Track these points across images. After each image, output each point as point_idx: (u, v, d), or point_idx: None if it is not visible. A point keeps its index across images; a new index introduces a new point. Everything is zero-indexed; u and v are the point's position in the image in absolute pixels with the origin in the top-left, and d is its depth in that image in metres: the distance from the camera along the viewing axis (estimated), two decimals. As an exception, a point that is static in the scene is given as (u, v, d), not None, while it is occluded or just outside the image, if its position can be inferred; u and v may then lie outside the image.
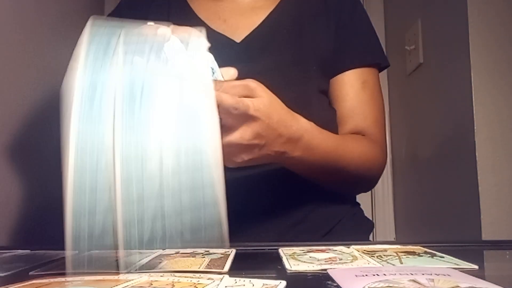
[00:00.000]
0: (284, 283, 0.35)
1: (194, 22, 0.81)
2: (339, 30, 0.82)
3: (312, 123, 0.66)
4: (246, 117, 0.54)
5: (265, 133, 0.56)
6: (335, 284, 0.36)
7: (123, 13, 0.84)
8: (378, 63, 0.85)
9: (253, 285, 0.35)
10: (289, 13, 0.82)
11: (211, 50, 0.80)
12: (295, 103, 0.75)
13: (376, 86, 0.84)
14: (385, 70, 0.89)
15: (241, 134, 0.54)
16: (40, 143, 1.10)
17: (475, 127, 0.97)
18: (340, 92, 0.81)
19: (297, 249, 0.53)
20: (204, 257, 0.48)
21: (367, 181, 0.80)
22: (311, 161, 0.65)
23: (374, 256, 0.48)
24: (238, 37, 0.79)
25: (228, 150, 0.54)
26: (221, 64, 0.77)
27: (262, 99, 0.55)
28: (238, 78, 0.77)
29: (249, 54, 0.77)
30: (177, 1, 0.84)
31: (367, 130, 0.79)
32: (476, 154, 0.96)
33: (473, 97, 0.99)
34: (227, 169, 0.73)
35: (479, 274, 0.39)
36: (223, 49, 0.79)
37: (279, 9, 0.82)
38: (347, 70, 0.81)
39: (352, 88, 0.81)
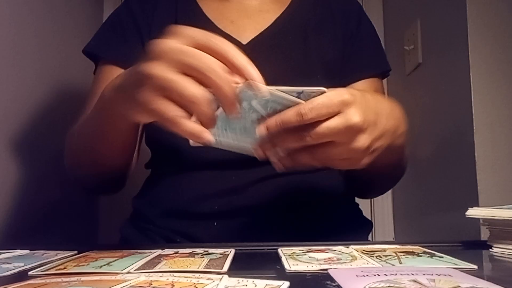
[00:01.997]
0: (287, 283, 0.35)
1: (201, 21, 0.81)
2: (347, 40, 0.84)
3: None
4: (343, 104, 0.48)
5: (366, 111, 0.51)
6: (334, 284, 0.36)
7: (132, 7, 0.83)
8: (385, 71, 0.87)
9: (255, 285, 0.35)
10: (296, 20, 0.83)
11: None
12: None
13: (384, 94, 0.87)
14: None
15: (346, 117, 0.48)
16: (41, 143, 1.10)
17: (474, 127, 0.97)
18: None
19: (296, 249, 0.53)
20: (203, 257, 0.48)
21: (399, 179, 0.83)
22: (398, 148, 0.62)
23: (373, 256, 0.48)
24: (245, 39, 0.79)
25: (347, 136, 0.49)
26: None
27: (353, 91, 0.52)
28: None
29: (255, 56, 0.77)
30: (185, 0, 0.83)
31: None
32: (475, 154, 0.96)
33: (472, 97, 0.99)
34: (228, 170, 0.73)
35: (478, 274, 0.39)
36: None
37: (286, 14, 0.83)
38: (358, 81, 0.83)
39: None
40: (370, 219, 0.87)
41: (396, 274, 0.38)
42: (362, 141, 0.50)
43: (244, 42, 0.79)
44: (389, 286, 0.34)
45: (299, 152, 0.50)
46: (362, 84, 0.83)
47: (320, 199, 0.76)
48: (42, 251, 0.55)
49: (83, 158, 0.72)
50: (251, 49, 0.78)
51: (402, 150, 0.67)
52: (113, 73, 0.77)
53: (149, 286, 0.35)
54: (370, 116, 0.51)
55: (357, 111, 0.49)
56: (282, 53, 0.79)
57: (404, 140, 0.62)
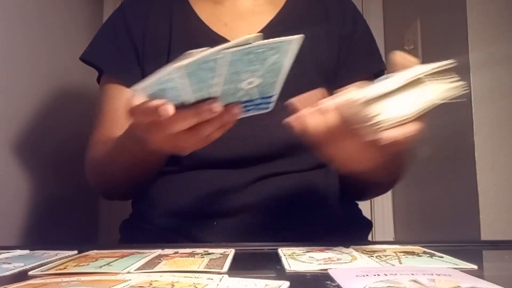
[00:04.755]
0: (287, 283, 0.35)
1: (196, 24, 0.81)
2: (342, 41, 0.83)
3: None
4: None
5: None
6: (334, 284, 0.36)
7: (125, 13, 0.84)
8: (380, 71, 0.86)
9: (255, 285, 0.35)
10: (290, 20, 0.83)
11: None
12: None
13: None
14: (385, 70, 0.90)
15: None
16: (41, 143, 1.10)
17: (474, 127, 0.97)
18: None
19: (296, 249, 0.53)
20: (203, 257, 0.48)
21: (393, 186, 0.83)
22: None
23: (373, 256, 0.48)
24: None
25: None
26: None
27: None
28: None
29: None
30: (180, 3, 0.84)
31: None
32: (475, 154, 0.96)
33: (472, 97, 0.99)
34: (227, 169, 0.73)
35: (478, 274, 0.39)
36: None
37: (280, 16, 0.83)
38: (355, 81, 0.82)
39: None
40: (370, 219, 0.87)
41: (396, 274, 0.38)
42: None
43: None
44: (389, 286, 0.34)
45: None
46: (357, 86, 0.83)
47: (319, 198, 0.76)
48: (42, 251, 0.55)
49: (117, 182, 0.77)
50: None
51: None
52: (115, 92, 0.81)
53: (149, 286, 0.35)
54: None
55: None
56: None
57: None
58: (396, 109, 0.45)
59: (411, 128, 0.46)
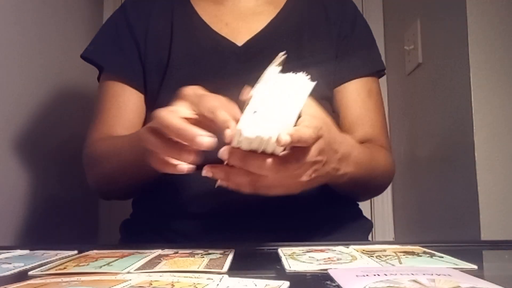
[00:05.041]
0: (287, 283, 0.35)
1: (197, 24, 0.82)
2: (342, 40, 0.84)
3: (353, 139, 0.67)
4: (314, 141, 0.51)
5: (326, 149, 0.54)
6: (334, 284, 0.36)
7: (127, 13, 0.84)
8: (380, 70, 0.86)
9: (255, 285, 0.35)
10: (290, 21, 0.83)
11: (213, 51, 0.81)
12: None
13: (379, 93, 0.86)
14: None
15: (310, 155, 0.51)
16: (41, 143, 1.10)
17: (474, 127, 0.97)
18: (346, 100, 0.83)
19: (296, 249, 0.53)
20: (203, 257, 0.48)
21: (385, 186, 0.85)
22: (356, 176, 0.65)
23: (373, 256, 0.48)
24: (240, 41, 0.80)
25: (297, 172, 0.52)
26: (222, 65, 0.78)
27: (321, 116, 0.54)
28: (238, 80, 0.78)
29: (250, 57, 0.78)
30: (181, 3, 0.84)
31: (376, 137, 0.81)
32: (475, 154, 0.96)
33: (472, 97, 0.99)
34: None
35: (478, 274, 0.39)
36: (224, 51, 0.80)
37: (280, 16, 0.83)
38: (353, 79, 0.83)
39: (359, 97, 0.83)
40: (370, 219, 0.87)
41: (396, 274, 0.38)
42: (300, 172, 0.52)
43: (239, 44, 0.79)
44: (389, 286, 0.34)
45: (240, 173, 0.51)
46: (355, 83, 0.83)
47: (319, 198, 0.76)
48: (42, 251, 0.55)
49: (118, 180, 0.75)
50: (246, 51, 0.79)
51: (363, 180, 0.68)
52: (117, 89, 0.81)
53: (149, 286, 0.35)
54: (327, 155, 0.54)
55: (318, 148, 0.51)
56: (276, 55, 0.80)
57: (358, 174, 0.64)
58: (275, 118, 0.47)
59: (307, 126, 0.49)
